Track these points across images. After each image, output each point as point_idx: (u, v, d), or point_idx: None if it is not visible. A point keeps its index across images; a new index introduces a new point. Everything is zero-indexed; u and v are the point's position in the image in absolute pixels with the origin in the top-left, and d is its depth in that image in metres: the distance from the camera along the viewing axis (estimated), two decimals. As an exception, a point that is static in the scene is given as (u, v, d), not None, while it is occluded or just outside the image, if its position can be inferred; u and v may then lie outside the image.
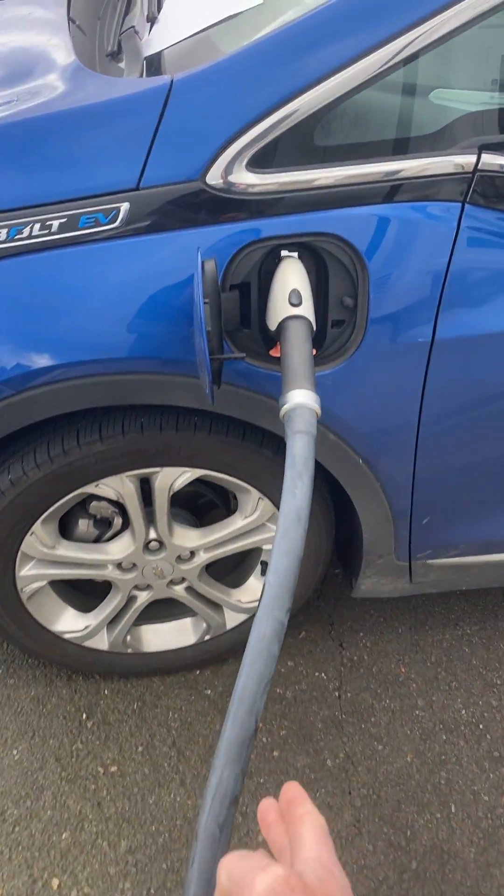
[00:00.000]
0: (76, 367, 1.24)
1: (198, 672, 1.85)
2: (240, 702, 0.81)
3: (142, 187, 1.17)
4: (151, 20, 1.51)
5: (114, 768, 1.67)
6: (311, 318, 1.17)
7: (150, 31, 1.48)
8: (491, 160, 1.17)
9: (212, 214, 1.18)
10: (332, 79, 1.12)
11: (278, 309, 1.17)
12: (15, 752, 1.69)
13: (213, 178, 1.16)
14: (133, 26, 1.43)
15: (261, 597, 0.88)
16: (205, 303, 1.08)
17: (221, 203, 1.18)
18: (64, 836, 1.56)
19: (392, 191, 1.18)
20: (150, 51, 1.40)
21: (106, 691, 1.81)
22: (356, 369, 1.30)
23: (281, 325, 1.16)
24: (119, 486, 1.45)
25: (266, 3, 1.36)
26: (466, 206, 1.20)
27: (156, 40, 1.43)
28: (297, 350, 1.11)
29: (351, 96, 1.13)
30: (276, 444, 1.44)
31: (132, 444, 1.38)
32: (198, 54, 1.32)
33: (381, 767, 1.69)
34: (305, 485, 0.97)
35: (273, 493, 1.51)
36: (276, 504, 1.53)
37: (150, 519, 1.55)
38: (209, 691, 1.82)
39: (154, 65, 1.36)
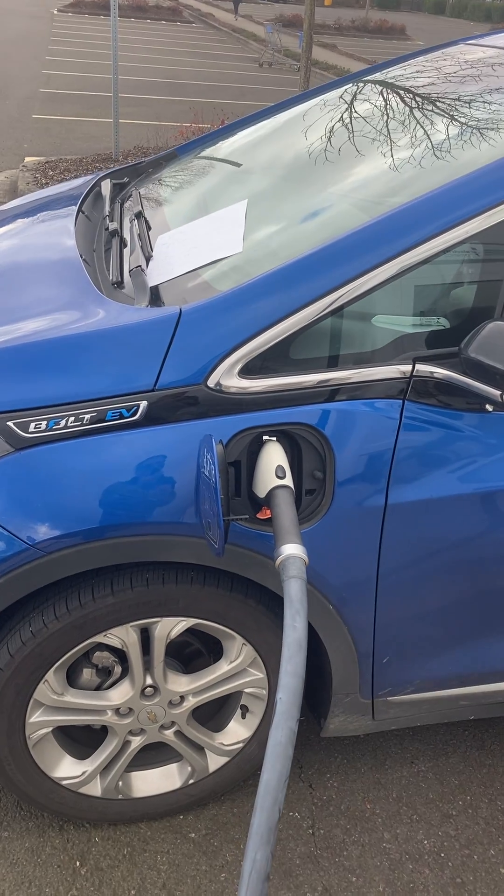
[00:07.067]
0: (101, 531, 1.51)
1: (181, 817, 1.99)
2: (265, 795, 1.04)
3: (157, 389, 1.50)
4: (147, 258, 1.91)
5: (109, 912, 1.77)
6: (293, 487, 1.48)
7: (148, 266, 1.88)
8: (422, 368, 1.56)
9: (212, 410, 1.51)
10: (301, 312, 1.51)
11: (266, 480, 1.48)
12: (13, 902, 1.77)
13: (213, 382, 1.51)
14: (140, 265, 1.82)
15: (274, 712, 1.13)
16: (220, 477, 1.38)
17: (219, 401, 1.51)
18: None
19: (351, 390, 1.54)
20: (152, 283, 1.78)
21: (96, 839, 1.92)
22: (326, 529, 1.60)
23: (270, 493, 1.46)
24: (124, 636, 1.67)
25: (245, 251, 1.78)
26: (406, 402, 1.57)
27: (155, 274, 1.82)
28: (286, 512, 1.41)
29: (316, 324, 1.52)
30: (258, 594, 1.70)
31: (139, 597, 1.62)
32: (194, 288, 1.71)
33: (357, 898, 1.83)
34: (302, 619, 1.24)
35: (255, 638, 1.75)
36: (258, 650, 1.77)
37: (146, 666, 1.76)
38: (193, 834, 1.95)
39: (158, 295, 1.73)
